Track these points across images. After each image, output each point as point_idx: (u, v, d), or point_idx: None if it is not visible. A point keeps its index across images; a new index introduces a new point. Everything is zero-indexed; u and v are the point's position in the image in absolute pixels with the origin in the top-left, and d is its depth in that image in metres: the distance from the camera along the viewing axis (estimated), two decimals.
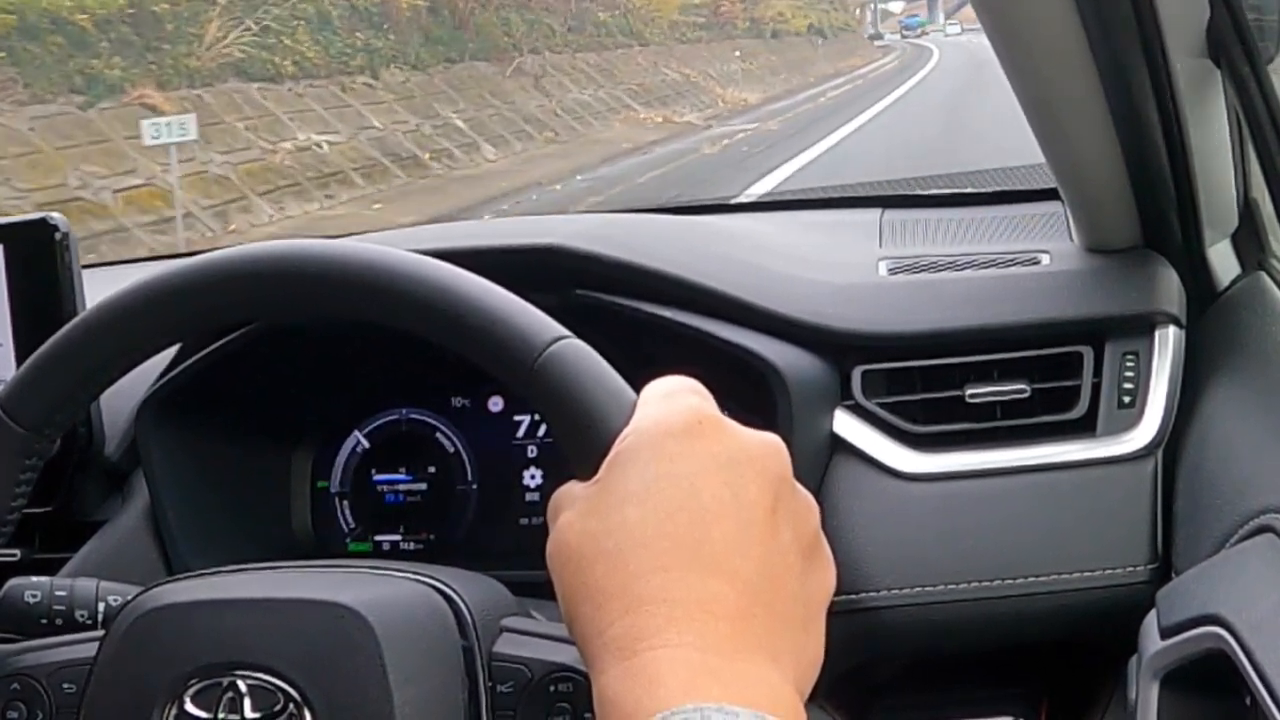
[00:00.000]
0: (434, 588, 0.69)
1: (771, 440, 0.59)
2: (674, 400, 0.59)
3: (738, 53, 23.14)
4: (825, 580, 0.59)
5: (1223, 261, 1.08)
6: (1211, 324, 1.03)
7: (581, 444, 0.59)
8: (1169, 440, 0.95)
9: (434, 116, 12.91)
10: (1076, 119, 0.95)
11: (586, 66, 17.40)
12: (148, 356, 0.70)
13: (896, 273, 1.09)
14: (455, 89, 13.92)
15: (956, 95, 17.78)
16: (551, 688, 0.66)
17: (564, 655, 0.67)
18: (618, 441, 0.58)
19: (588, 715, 0.64)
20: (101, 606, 0.80)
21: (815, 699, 0.96)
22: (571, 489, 0.59)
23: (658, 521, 0.54)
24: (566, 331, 0.62)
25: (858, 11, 41.13)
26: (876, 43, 39.80)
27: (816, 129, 14.27)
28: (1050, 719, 1.06)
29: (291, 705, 0.64)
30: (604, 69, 17.84)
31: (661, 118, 16.58)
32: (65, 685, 0.70)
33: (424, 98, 13.19)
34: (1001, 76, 0.93)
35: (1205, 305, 1.06)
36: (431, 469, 1.14)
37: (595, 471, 0.57)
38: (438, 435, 1.14)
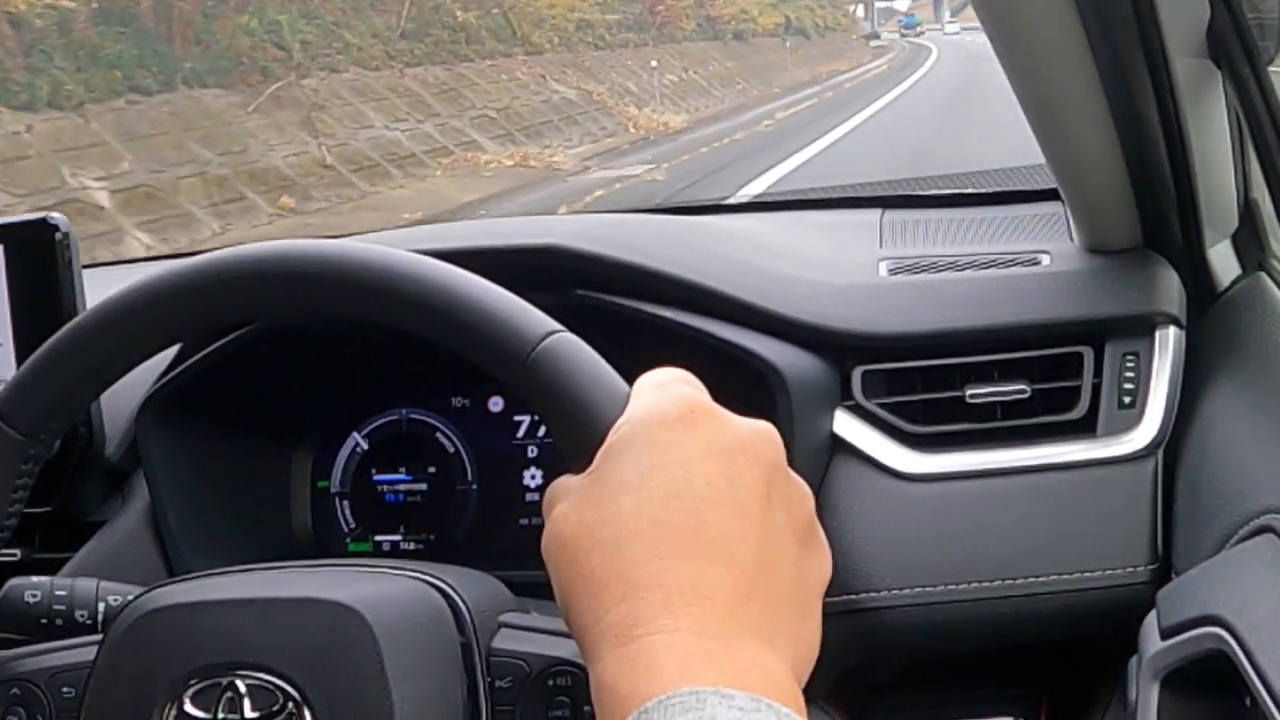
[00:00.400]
0: (431, 585, 0.69)
1: (764, 427, 0.59)
2: (667, 390, 0.59)
3: (654, 63, 17.66)
4: (821, 566, 0.59)
5: (1223, 262, 1.08)
6: (1212, 324, 1.03)
7: (575, 436, 0.59)
8: (1169, 441, 0.95)
9: (53, 188, 7.73)
10: (1076, 119, 0.95)
11: (420, 87, 12.51)
12: (147, 357, 0.70)
13: (897, 273, 1.09)
14: (127, 137, 8.71)
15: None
16: (550, 682, 0.67)
17: (562, 649, 0.67)
18: (612, 432, 0.58)
19: (587, 709, 0.64)
20: (101, 607, 0.80)
21: (815, 699, 0.96)
22: (566, 481, 0.59)
23: (653, 510, 0.54)
24: (559, 326, 0.62)
25: (854, 9, 40.92)
26: (873, 43, 39.45)
27: (727, 175, 9.81)
28: (1050, 719, 1.06)
29: (291, 704, 0.64)
30: (448, 89, 12.86)
31: (516, 158, 11.68)
32: (64, 689, 0.70)
33: (44, 157, 8.08)
34: (1003, 79, 0.92)
35: (1205, 306, 1.06)
36: (431, 469, 1.14)
37: (590, 463, 0.58)
38: (438, 435, 1.14)
